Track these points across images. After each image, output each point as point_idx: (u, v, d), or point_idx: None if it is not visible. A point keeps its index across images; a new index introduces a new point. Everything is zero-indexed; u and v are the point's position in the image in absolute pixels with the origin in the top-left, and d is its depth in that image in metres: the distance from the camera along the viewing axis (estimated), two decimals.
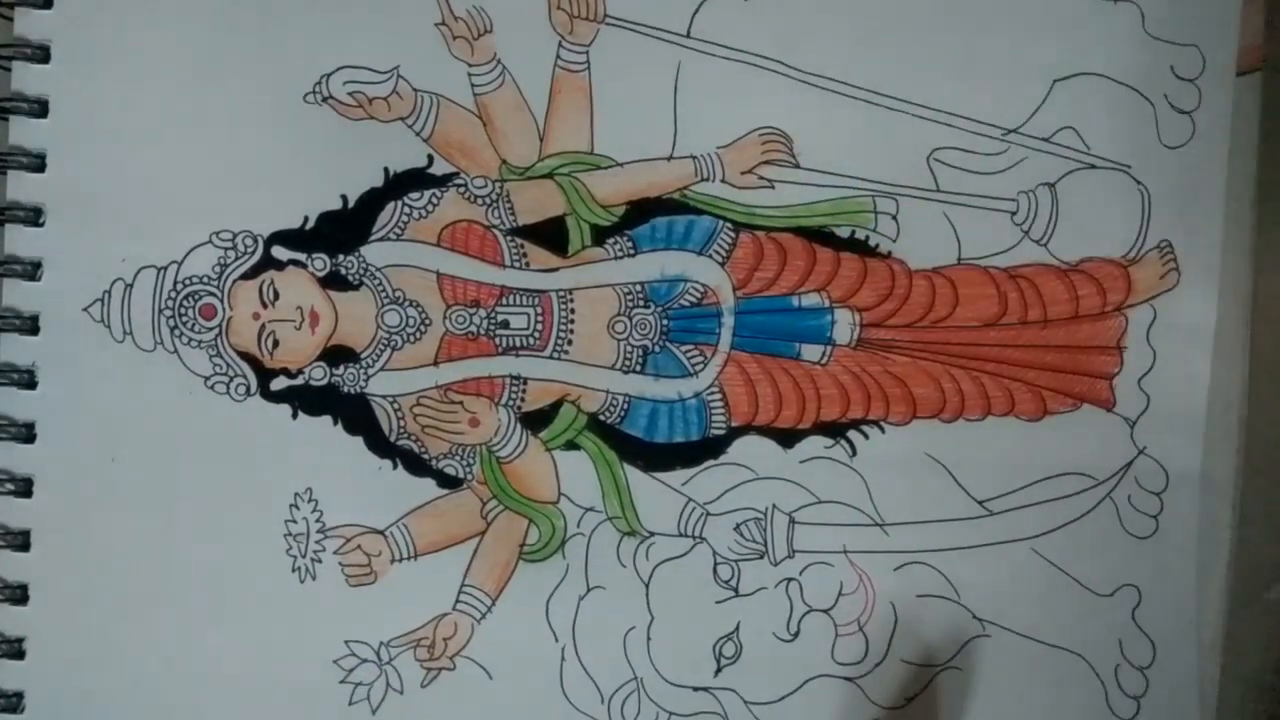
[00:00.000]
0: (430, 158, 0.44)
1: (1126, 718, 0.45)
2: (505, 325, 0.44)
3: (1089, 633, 0.45)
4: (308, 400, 0.43)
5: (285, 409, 0.43)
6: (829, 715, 0.45)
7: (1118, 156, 0.46)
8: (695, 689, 0.44)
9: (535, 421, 0.44)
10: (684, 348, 0.44)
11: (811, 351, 0.45)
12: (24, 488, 0.42)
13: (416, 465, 0.44)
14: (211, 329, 0.43)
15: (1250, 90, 0.46)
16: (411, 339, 0.44)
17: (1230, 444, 0.45)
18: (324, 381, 0.43)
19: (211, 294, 0.43)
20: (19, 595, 0.42)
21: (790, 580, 0.45)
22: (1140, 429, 0.46)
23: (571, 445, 0.44)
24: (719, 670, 0.44)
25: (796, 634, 0.45)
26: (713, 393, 0.44)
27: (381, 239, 0.43)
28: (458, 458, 0.44)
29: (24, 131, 0.42)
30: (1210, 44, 0.45)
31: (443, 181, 0.44)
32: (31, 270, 0.42)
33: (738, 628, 0.44)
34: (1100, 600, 0.45)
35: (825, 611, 0.45)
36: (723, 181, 0.44)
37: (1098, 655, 0.45)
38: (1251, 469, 0.45)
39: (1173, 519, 0.45)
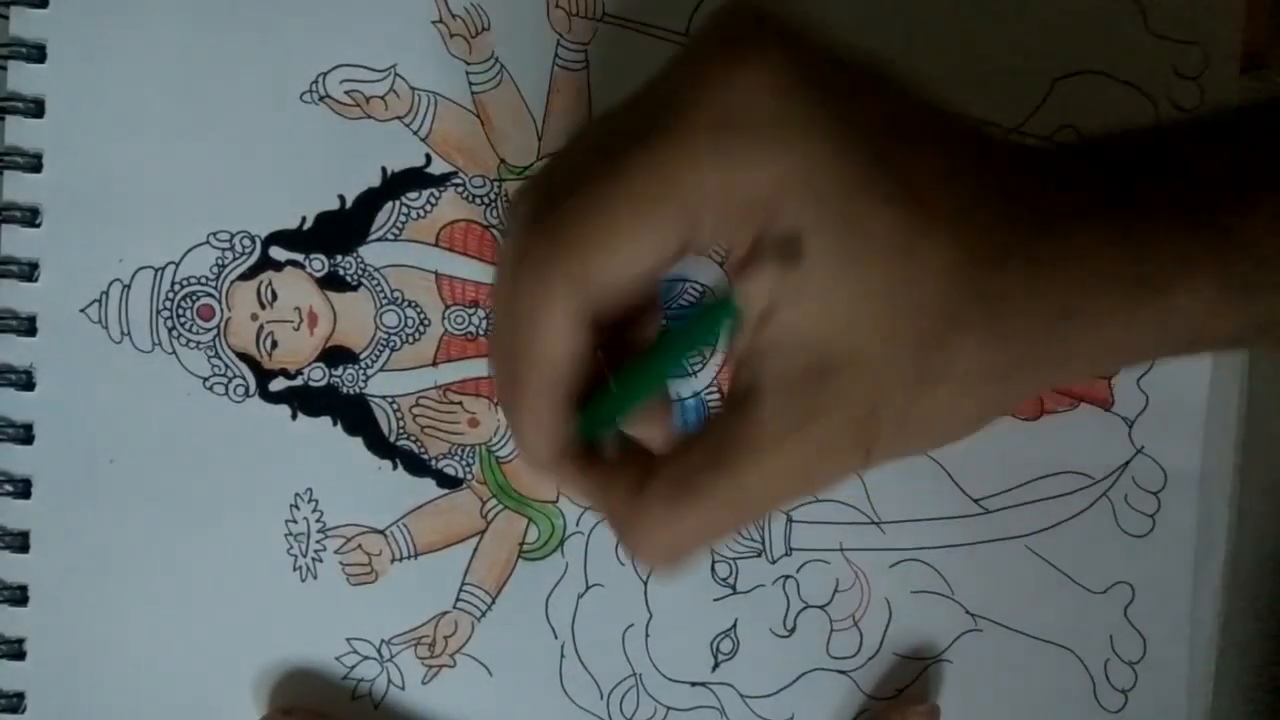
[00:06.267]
0: (428, 157, 0.43)
1: (1114, 710, 0.46)
2: None
3: (1080, 628, 0.46)
4: (307, 401, 0.43)
5: (284, 410, 0.43)
6: (822, 707, 0.45)
7: None
8: (693, 684, 0.45)
9: None
10: None
11: None
12: (23, 489, 0.42)
13: (416, 465, 0.44)
14: (209, 330, 0.43)
15: (1254, 89, 0.45)
16: (410, 339, 0.44)
17: (1229, 442, 0.45)
18: (323, 382, 0.43)
19: (209, 295, 0.43)
20: (19, 596, 0.42)
21: (787, 578, 0.45)
22: (1138, 428, 0.46)
23: None
24: (716, 666, 0.45)
25: (793, 630, 0.45)
26: (712, 392, 0.45)
27: (380, 239, 0.43)
28: (457, 458, 0.44)
29: (20, 131, 0.42)
30: (1213, 42, 0.45)
31: (441, 181, 0.44)
32: (28, 271, 0.42)
33: (735, 624, 0.45)
34: (1093, 597, 0.46)
35: (821, 608, 0.45)
36: None
37: (1088, 650, 0.46)
38: (1250, 467, 0.46)
39: (1169, 518, 0.45)
